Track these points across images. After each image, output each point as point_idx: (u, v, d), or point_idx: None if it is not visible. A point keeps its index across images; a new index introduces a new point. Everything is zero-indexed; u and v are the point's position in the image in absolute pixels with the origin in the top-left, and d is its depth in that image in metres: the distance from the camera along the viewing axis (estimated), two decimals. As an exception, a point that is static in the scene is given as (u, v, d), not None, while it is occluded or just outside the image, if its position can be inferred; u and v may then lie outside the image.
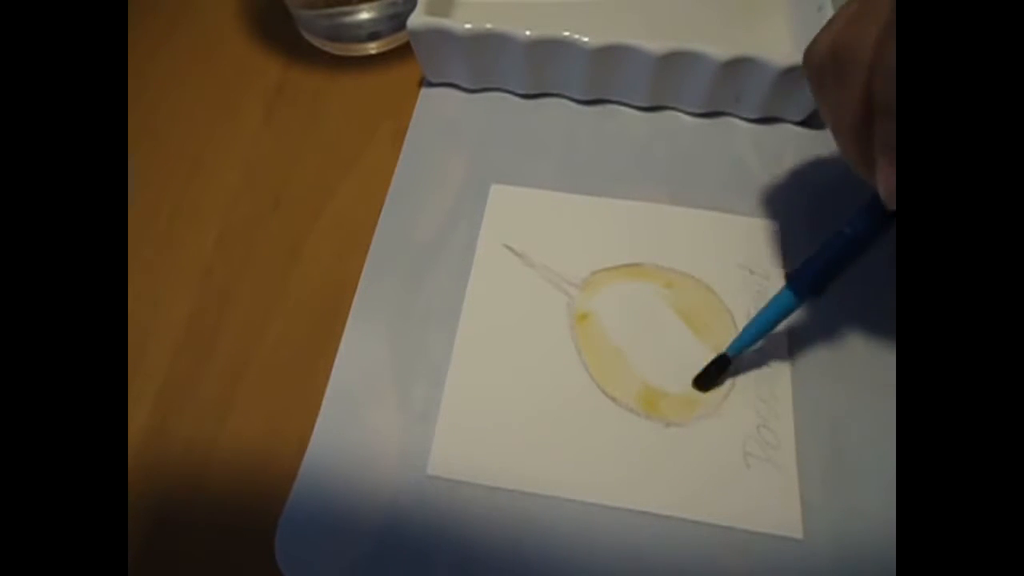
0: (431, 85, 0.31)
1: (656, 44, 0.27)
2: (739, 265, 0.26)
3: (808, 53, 0.21)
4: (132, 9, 0.34)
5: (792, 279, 0.21)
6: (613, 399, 0.23)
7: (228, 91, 0.32)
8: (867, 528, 0.21)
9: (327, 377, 0.24)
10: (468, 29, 0.27)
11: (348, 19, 0.31)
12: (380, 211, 0.27)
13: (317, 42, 0.32)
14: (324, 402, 0.23)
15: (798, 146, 0.28)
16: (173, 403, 0.24)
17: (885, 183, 0.18)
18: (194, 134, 0.30)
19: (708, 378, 0.23)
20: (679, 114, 0.30)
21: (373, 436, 0.23)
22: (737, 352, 0.22)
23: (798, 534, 0.21)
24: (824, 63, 0.20)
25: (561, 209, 0.27)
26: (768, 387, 0.23)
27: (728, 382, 0.23)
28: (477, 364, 0.24)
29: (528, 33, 0.27)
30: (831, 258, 0.20)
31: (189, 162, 0.29)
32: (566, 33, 0.27)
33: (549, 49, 0.28)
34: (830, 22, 0.20)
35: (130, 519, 0.22)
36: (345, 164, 0.29)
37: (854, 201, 0.27)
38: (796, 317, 0.24)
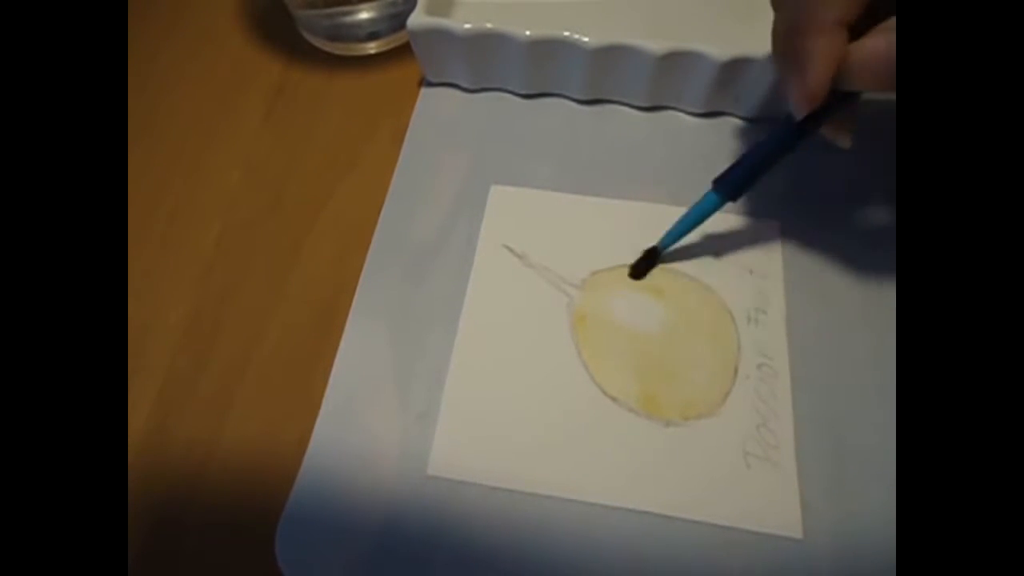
0: (431, 85, 0.31)
1: (656, 44, 0.27)
2: (739, 265, 0.26)
3: None
4: (132, 9, 0.34)
5: (717, 183, 0.23)
6: (613, 399, 0.23)
7: (228, 91, 0.32)
8: (867, 528, 0.21)
9: (327, 377, 0.24)
10: (468, 29, 0.27)
11: (348, 19, 0.31)
12: (380, 211, 0.27)
13: (317, 42, 0.32)
14: (324, 402, 0.23)
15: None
16: (173, 403, 0.24)
17: (790, 93, 0.20)
18: (194, 134, 0.30)
19: (640, 268, 0.25)
20: (679, 114, 0.30)
21: (373, 436, 0.23)
22: (666, 246, 0.25)
23: (798, 534, 0.21)
24: None
25: (561, 209, 0.27)
26: (768, 387, 0.23)
27: (729, 382, 0.23)
28: (477, 364, 0.24)
29: (528, 33, 0.27)
30: (752, 165, 0.23)
31: (189, 162, 0.29)
32: (566, 33, 0.27)
33: (549, 49, 0.28)
34: None
35: (130, 519, 0.22)
36: (345, 164, 0.29)
37: (854, 200, 0.27)
38: (796, 317, 0.24)
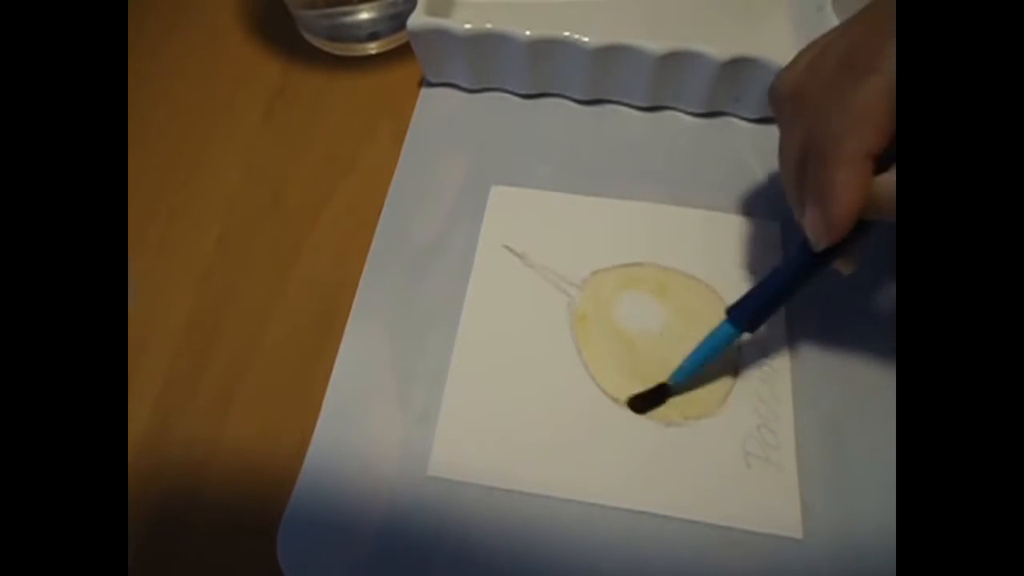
0: (431, 85, 0.31)
1: (656, 44, 0.27)
2: (739, 265, 0.26)
3: (772, 88, 0.21)
4: (132, 9, 0.34)
5: (732, 313, 0.22)
6: (613, 399, 0.23)
7: (228, 91, 0.32)
8: (867, 528, 0.21)
9: (327, 377, 0.24)
10: (468, 29, 0.27)
11: (348, 19, 0.31)
12: (380, 211, 0.27)
13: (317, 42, 0.32)
14: (324, 402, 0.23)
15: (798, 146, 0.28)
16: (173, 403, 0.24)
17: (811, 224, 0.19)
18: (194, 134, 0.30)
19: (645, 403, 0.23)
20: (679, 114, 0.30)
21: (373, 437, 0.23)
22: (679, 381, 0.23)
23: (798, 534, 0.21)
24: (784, 101, 0.20)
25: (561, 209, 0.27)
26: (768, 387, 0.23)
27: (729, 382, 0.23)
28: (477, 364, 0.24)
29: (528, 33, 0.27)
30: (768, 296, 0.21)
31: (189, 162, 0.29)
32: (566, 33, 0.27)
33: (549, 49, 0.28)
34: (794, 60, 0.21)
35: (130, 519, 0.22)
36: (345, 164, 0.29)
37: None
38: (797, 317, 0.24)
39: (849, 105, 0.17)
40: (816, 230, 0.19)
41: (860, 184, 0.17)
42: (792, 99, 0.20)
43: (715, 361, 0.22)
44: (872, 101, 0.17)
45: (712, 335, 0.22)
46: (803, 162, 0.19)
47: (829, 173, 0.18)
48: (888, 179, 0.17)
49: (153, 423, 0.23)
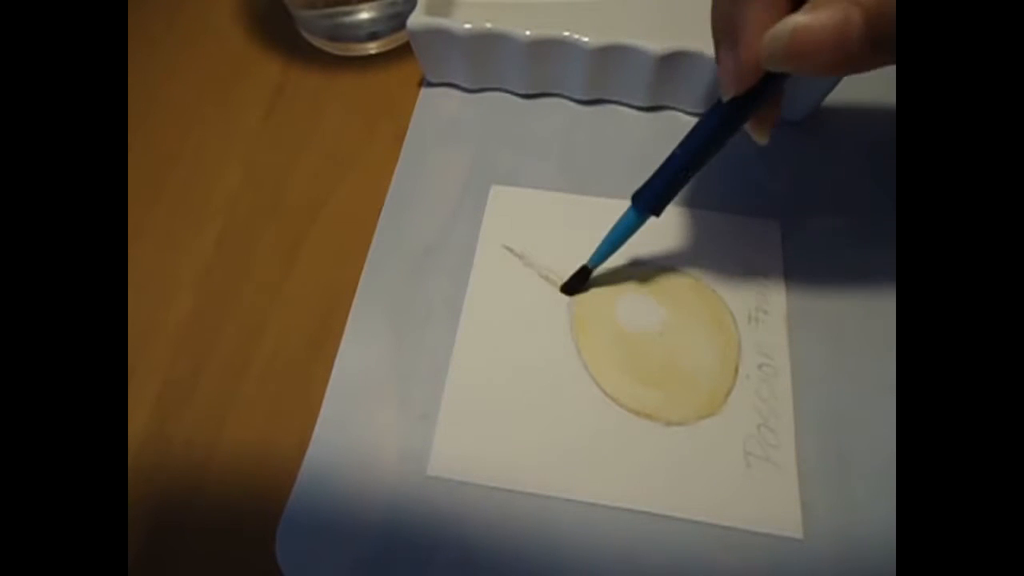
0: (431, 85, 0.31)
1: (656, 44, 0.27)
2: (739, 265, 0.26)
3: None
4: (131, 8, 0.34)
5: (636, 199, 0.23)
6: (613, 399, 0.23)
7: (227, 91, 0.32)
8: (867, 528, 0.21)
9: (327, 377, 0.24)
10: (468, 29, 0.27)
11: (348, 19, 0.31)
12: (380, 211, 0.27)
13: (317, 42, 0.32)
14: (324, 402, 0.23)
15: (798, 146, 0.28)
16: (173, 404, 0.24)
17: (721, 69, 0.19)
18: (193, 134, 0.30)
19: (573, 285, 0.25)
20: (679, 114, 0.30)
21: (373, 436, 0.23)
22: (595, 264, 0.24)
23: (798, 534, 0.21)
24: None
25: (561, 209, 0.27)
26: (768, 387, 0.23)
27: (729, 382, 0.23)
28: (477, 364, 0.24)
29: (528, 33, 0.27)
30: (668, 180, 0.22)
31: (189, 162, 0.29)
32: (566, 33, 0.27)
33: (549, 49, 0.28)
34: None
35: (130, 520, 0.22)
36: (345, 164, 0.29)
37: (854, 200, 0.27)
38: (797, 316, 0.24)
39: None
40: (726, 75, 0.18)
41: (769, 22, 0.17)
42: None
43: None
44: None
45: (619, 222, 0.23)
46: (724, 5, 0.18)
47: (739, 9, 0.17)
48: (799, 20, 0.16)
49: (153, 423, 0.23)
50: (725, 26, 0.18)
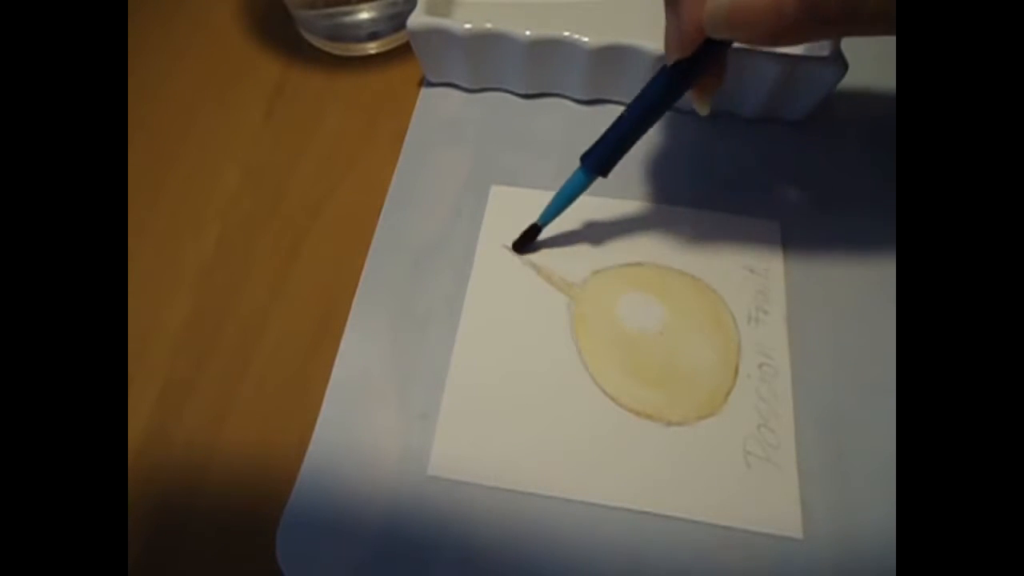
0: (431, 85, 0.31)
1: (656, 44, 0.27)
2: (739, 265, 0.26)
3: None
4: (131, 8, 0.34)
5: (585, 160, 0.23)
6: (613, 399, 0.23)
7: (228, 91, 0.32)
8: (867, 528, 0.21)
9: (327, 377, 0.24)
10: (468, 29, 0.27)
11: (348, 19, 0.31)
12: (380, 211, 0.27)
13: (317, 42, 0.32)
14: (324, 402, 0.23)
15: (798, 146, 0.28)
16: (173, 404, 0.24)
17: (666, 34, 0.19)
18: (193, 134, 0.30)
19: (523, 242, 0.26)
20: (679, 114, 0.30)
21: (373, 436, 0.23)
22: (545, 222, 0.25)
23: (798, 534, 0.21)
24: None
25: (561, 209, 0.27)
26: (768, 387, 0.23)
27: (729, 382, 0.23)
28: (477, 364, 0.24)
29: (528, 33, 0.27)
30: (614, 142, 0.23)
31: (189, 162, 0.29)
32: (566, 33, 0.27)
33: (549, 49, 0.28)
34: None
35: (130, 521, 0.22)
36: (345, 164, 0.29)
37: (854, 200, 0.27)
38: (797, 316, 0.24)
39: None
40: (670, 39, 0.19)
41: None
42: None
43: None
44: None
45: (568, 182, 0.24)
46: None
47: None
48: None
49: (153, 423, 0.23)
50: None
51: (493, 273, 0.26)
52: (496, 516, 0.21)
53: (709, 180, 0.28)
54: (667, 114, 0.30)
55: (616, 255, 0.26)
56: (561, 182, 0.28)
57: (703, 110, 0.22)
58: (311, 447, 0.22)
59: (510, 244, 0.26)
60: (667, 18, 0.19)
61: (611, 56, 0.27)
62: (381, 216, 0.27)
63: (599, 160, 0.23)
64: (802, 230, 0.26)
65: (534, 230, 0.25)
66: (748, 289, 0.25)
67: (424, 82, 0.31)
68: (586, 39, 0.27)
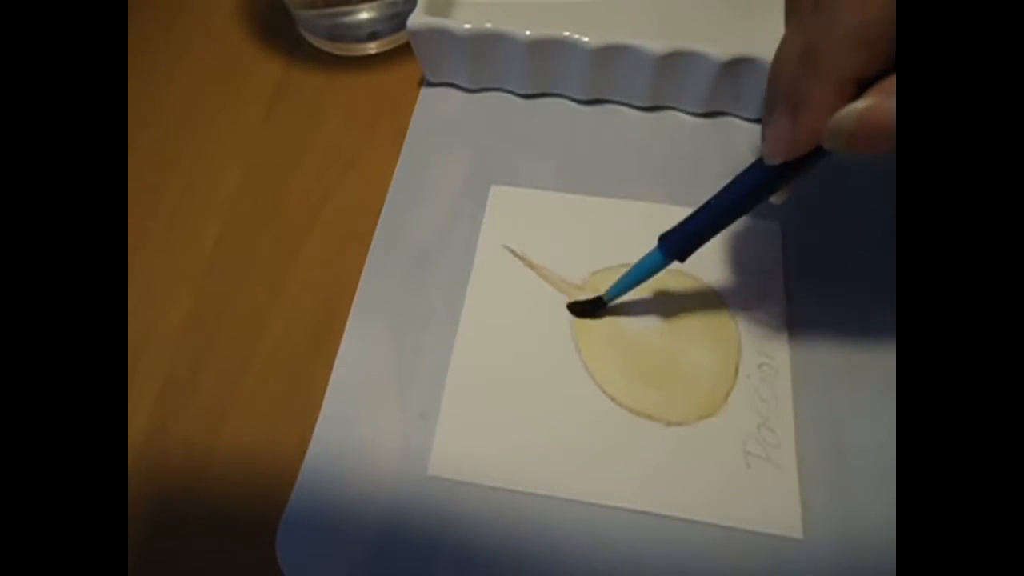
0: (431, 85, 0.31)
1: (656, 44, 0.27)
2: (739, 265, 0.26)
3: None
4: (131, 8, 0.34)
5: (663, 241, 0.22)
6: (613, 399, 0.23)
7: (228, 91, 0.32)
8: (867, 528, 0.21)
9: (327, 377, 0.24)
10: (468, 29, 0.27)
11: (348, 19, 0.31)
12: (380, 211, 0.27)
13: (317, 42, 0.32)
14: (324, 402, 0.23)
15: (798, 146, 0.28)
16: (173, 404, 0.24)
17: (774, 133, 0.18)
18: (194, 134, 0.30)
19: (583, 309, 0.24)
20: (679, 114, 0.30)
21: (373, 436, 0.23)
22: (611, 298, 0.24)
23: (798, 534, 0.21)
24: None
25: (561, 209, 0.27)
26: (768, 387, 0.23)
27: (729, 382, 0.23)
28: (477, 364, 0.24)
29: (528, 33, 0.27)
30: (697, 229, 0.21)
31: (189, 162, 0.29)
32: (566, 33, 0.27)
33: (549, 49, 0.28)
34: None
35: (130, 521, 0.22)
36: (345, 164, 0.29)
37: (854, 200, 0.27)
38: (797, 316, 0.24)
39: (857, 22, 0.16)
40: (778, 141, 0.18)
41: (839, 104, 0.17)
42: None
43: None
44: (883, 25, 0.16)
45: (643, 260, 0.22)
46: (795, 78, 0.18)
47: (811, 86, 0.17)
48: (863, 106, 0.16)
49: (153, 423, 0.23)
50: (788, 93, 0.18)
51: (493, 273, 0.26)
52: (496, 516, 0.21)
53: (709, 180, 0.28)
54: (667, 114, 0.30)
55: (616, 255, 0.26)
56: (561, 182, 0.28)
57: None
58: (311, 447, 0.22)
59: (510, 244, 0.26)
60: (778, 120, 0.18)
61: (611, 56, 0.27)
62: (381, 216, 0.27)
63: (679, 245, 0.21)
64: (802, 230, 0.26)
65: (598, 303, 0.24)
66: (748, 289, 0.25)
67: (424, 82, 0.31)
68: (586, 39, 0.27)
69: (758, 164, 0.20)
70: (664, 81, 0.28)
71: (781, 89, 0.18)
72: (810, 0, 0.17)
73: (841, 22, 0.16)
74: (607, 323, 0.24)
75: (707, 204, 0.21)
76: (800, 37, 0.18)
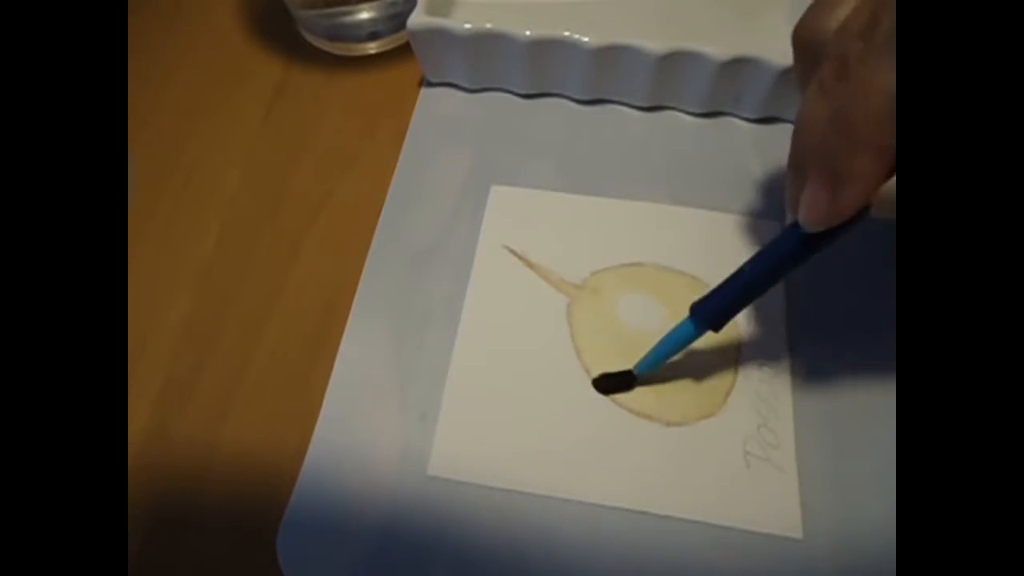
0: (431, 85, 0.31)
1: (656, 44, 0.27)
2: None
3: (795, 33, 0.20)
4: (131, 8, 0.34)
5: (695, 311, 0.21)
6: (613, 399, 0.23)
7: (228, 91, 0.32)
8: (867, 528, 0.21)
9: (327, 377, 0.24)
10: (468, 29, 0.27)
11: (348, 19, 0.31)
12: (380, 211, 0.27)
13: (317, 42, 0.32)
14: (324, 402, 0.23)
15: (798, 146, 0.28)
16: (173, 403, 0.24)
17: (811, 201, 0.17)
18: (194, 134, 0.30)
19: (610, 384, 0.23)
20: (679, 114, 0.30)
21: (373, 436, 0.23)
22: (642, 372, 0.23)
23: (798, 534, 0.21)
24: (804, 48, 0.19)
25: (561, 209, 0.27)
26: (768, 387, 0.23)
27: (729, 382, 0.23)
28: (477, 364, 0.24)
29: (528, 33, 0.27)
30: (732, 297, 0.20)
31: (189, 162, 0.29)
32: (566, 33, 0.27)
33: (549, 49, 0.28)
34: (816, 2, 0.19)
35: (130, 520, 0.22)
36: (345, 164, 0.29)
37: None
38: (797, 317, 0.24)
39: (894, 90, 0.15)
40: (816, 211, 0.17)
41: (881, 177, 0.16)
42: (808, 45, 0.18)
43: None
44: None
45: (674, 332, 0.21)
46: (835, 150, 0.17)
47: (853, 158, 0.16)
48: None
49: (153, 423, 0.23)
50: (822, 160, 0.17)
51: (493, 273, 0.26)
52: (496, 516, 0.21)
53: (709, 180, 0.28)
54: (667, 114, 0.30)
55: (616, 255, 0.26)
56: (561, 182, 0.28)
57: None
58: (311, 447, 0.22)
59: (510, 244, 0.26)
60: (816, 189, 0.17)
61: (611, 56, 0.27)
62: (381, 216, 0.27)
63: (712, 315, 0.20)
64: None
65: (628, 377, 0.23)
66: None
67: (424, 82, 0.31)
68: (586, 39, 0.27)
69: (794, 228, 0.19)
70: (664, 81, 0.28)
71: (811, 154, 0.18)
72: (832, 68, 0.17)
73: (876, 92, 0.15)
74: (607, 324, 0.24)
75: (740, 271, 0.20)
76: (826, 102, 0.17)
